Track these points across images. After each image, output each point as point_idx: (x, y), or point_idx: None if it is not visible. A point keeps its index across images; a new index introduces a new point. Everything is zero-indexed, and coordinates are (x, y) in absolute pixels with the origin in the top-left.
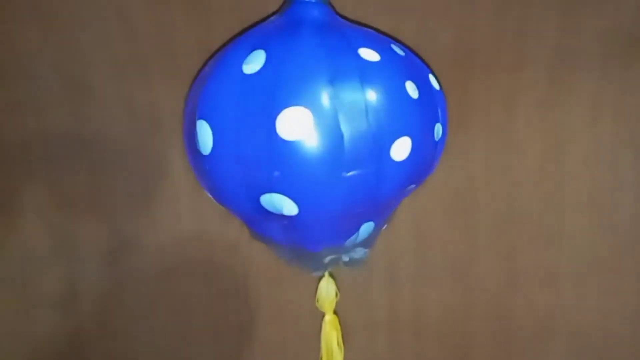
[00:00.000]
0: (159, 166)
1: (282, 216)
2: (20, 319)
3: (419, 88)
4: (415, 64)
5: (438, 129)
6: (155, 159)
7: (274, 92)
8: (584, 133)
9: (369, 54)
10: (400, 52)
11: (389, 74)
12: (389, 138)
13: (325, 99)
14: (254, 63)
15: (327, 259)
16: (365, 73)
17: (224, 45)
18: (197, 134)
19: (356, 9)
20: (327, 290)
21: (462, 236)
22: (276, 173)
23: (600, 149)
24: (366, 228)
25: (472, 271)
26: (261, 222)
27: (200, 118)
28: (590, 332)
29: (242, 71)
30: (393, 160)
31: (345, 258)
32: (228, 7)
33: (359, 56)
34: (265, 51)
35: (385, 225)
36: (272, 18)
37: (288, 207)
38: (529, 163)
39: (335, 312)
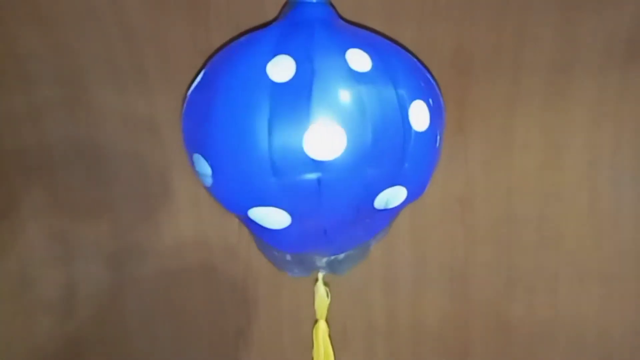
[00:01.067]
0: (158, 171)
1: None
2: (20, 323)
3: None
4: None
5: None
6: (154, 164)
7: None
8: (583, 138)
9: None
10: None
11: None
12: None
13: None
14: (283, 69)
15: (319, 262)
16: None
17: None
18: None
19: (355, 12)
20: (323, 295)
21: (460, 241)
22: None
23: (600, 154)
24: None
25: (470, 276)
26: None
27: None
28: (590, 339)
29: (268, 77)
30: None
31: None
32: (226, 12)
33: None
34: (292, 56)
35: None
36: (275, 22)
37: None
38: (528, 168)
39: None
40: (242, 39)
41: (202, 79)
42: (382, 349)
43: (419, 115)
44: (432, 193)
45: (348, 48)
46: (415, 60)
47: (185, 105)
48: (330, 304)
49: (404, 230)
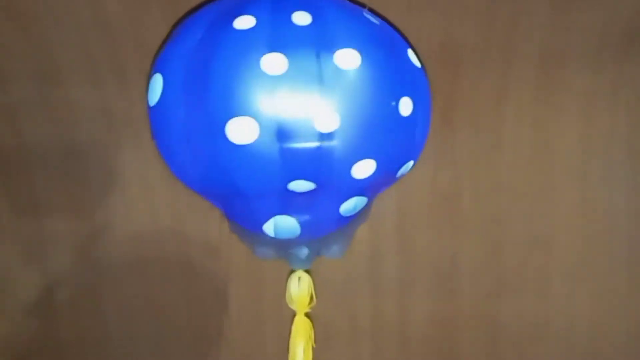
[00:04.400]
0: (135, 167)
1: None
2: None
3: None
4: (389, 35)
5: (406, 103)
6: (131, 160)
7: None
8: (575, 133)
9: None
10: (374, 20)
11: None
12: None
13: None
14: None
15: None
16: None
17: None
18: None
19: None
20: (297, 286)
21: (448, 240)
22: None
23: (593, 149)
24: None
25: (458, 276)
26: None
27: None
28: (580, 339)
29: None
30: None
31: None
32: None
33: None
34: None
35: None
36: None
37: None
38: (518, 163)
39: (308, 315)
40: None
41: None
42: (367, 348)
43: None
44: (419, 190)
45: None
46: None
47: None
48: (314, 303)
49: (391, 228)
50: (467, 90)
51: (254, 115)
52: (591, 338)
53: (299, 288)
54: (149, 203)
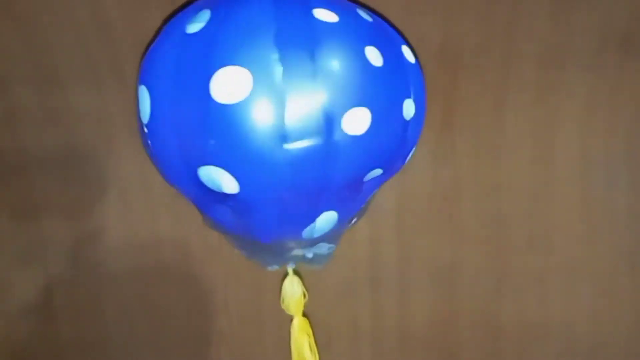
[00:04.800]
0: (135, 170)
1: (224, 195)
2: None
3: (383, 56)
4: (384, 31)
5: (409, 106)
6: (131, 163)
7: (211, 51)
8: (575, 134)
9: (324, 15)
10: (367, 17)
11: (346, 36)
12: (340, 107)
13: (268, 59)
14: (198, 22)
15: (287, 254)
16: (317, 34)
17: None
18: (138, 101)
19: None
20: (291, 290)
21: (447, 242)
22: (212, 142)
23: (593, 149)
24: (327, 219)
25: (458, 277)
26: (208, 203)
27: (141, 83)
28: (581, 341)
29: (184, 31)
30: (346, 134)
31: (308, 254)
32: None
33: (312, 16)
34: (211, 10)
35: (355, 220)
36: None
37: (227, 183)
38: (518, 164)
39: (305, 315)
40: None
41: None
42: (367, 350)
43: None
44: (418, 192)
45: (288, 10)
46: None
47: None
48: (307, 300)
49: (390, 228)
50: (467, 92)
51: None
52: (592, 338)
53: (294, 291)
54: (148, 205)
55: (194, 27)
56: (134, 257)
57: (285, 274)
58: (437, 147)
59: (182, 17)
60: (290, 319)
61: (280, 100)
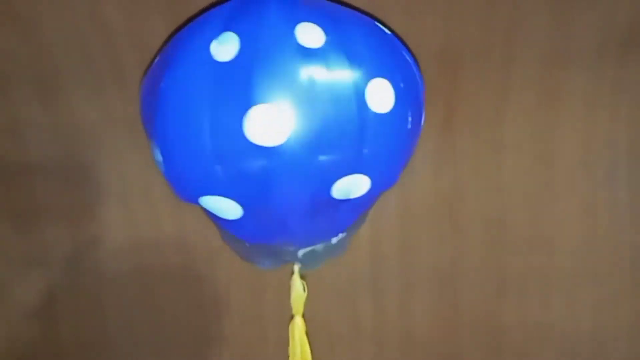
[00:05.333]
0: (137, 173)
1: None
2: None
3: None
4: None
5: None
6: (133, 165)
7: (248, 86)
8: (577, 135)
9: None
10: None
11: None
12: None
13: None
14: (225, 45)
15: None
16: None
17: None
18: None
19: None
20: (300, 289)
21: (449, 243)
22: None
23: (595, 151)
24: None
25: (459, 278)
26: None
27: (164, 102)
28: (583, 343)
29: (211, 56)
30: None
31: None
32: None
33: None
34: (238, 36)
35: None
36: None
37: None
38: (520, 166)
39: (303, 315)
40: (196, 19)
41: (154, 63)
42: (369, 351)
43: (380, 95)
44: (419, 193)
45: (299, 22)
46: (385, 33)
47: (141, 91)
48: (307, 301)
49: (392, 231)
50: (468, 93)
51: None
52: (594, 339)
53: (296, 292)
54: (150, 208)
55: (222, 53)
56: (135, 260)
57: (291, 273)
58: (438, 148)
59: (202, 35)
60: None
61: None
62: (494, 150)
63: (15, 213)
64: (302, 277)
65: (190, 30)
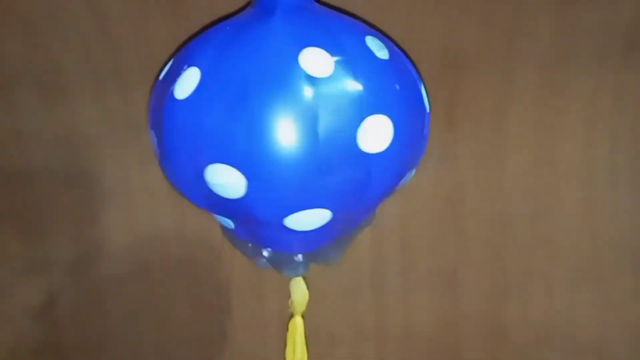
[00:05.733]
0: (138, 174)
1: None
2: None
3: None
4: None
5: None
6: (134, 165)
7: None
8: (579, 136)
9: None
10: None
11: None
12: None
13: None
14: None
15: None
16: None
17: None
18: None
19: (339, 4)
20: (297, 289)
21: (451, 243)
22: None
23: (597, 152)
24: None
25: (462, 280)
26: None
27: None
28: (586, 342)
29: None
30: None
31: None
32: (209, 14)
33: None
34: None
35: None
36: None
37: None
38: (521, 167)
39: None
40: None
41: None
42: (371, 353)
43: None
44: (421, 193)
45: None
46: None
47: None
48: (309, 302)
49: (393, 231)
50: (470, 94)
51: None
52: (596, 339)
53: (300, 293)
54: (152, 208)
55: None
56: (137, 261)
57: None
58: (439, 149)
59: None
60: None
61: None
62: (496, 151)
63: (17, 216)
64: (303, 277)
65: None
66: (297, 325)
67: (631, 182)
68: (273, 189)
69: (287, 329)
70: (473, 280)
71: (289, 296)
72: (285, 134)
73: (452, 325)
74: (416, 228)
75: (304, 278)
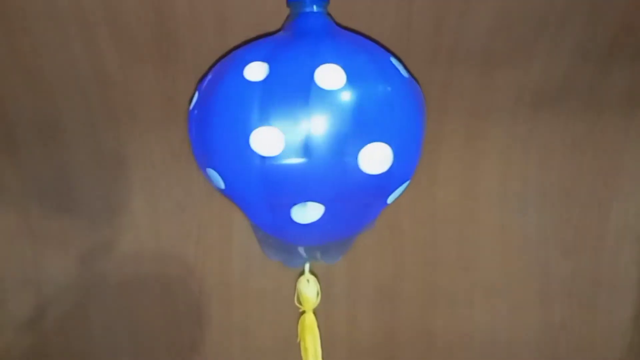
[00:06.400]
0: (120, 201)
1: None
2: None
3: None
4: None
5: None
6: (118, 194)
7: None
8: (495, 172)
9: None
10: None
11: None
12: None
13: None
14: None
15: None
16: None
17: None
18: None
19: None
20: (306, 287)
21: (389, 263)
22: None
23: (510, 188)
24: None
25: (398, 292)
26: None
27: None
28: (501, 345)
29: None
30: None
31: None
32: (192, 63)
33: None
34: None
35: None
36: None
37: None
38: (450, 196)
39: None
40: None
41: (197, 95)
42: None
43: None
44: None
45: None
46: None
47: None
48: (266, 315)
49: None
50: None
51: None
52: (509, 344)
53: (310, 289)
54: (132, 230)
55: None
56: (116, 274)
57: (301, 273)
58: None
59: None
60: (265, 334)
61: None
62: (428, 185)
63: (10, 234)
64: (312, 273)
65: (225, 63)
66: (308, 321)
67: (538, 212)
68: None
69: (255, 341)
70: (408, 294)
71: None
72: None
73: (390, 332)
74: (360, 249)
75: (313, 274)
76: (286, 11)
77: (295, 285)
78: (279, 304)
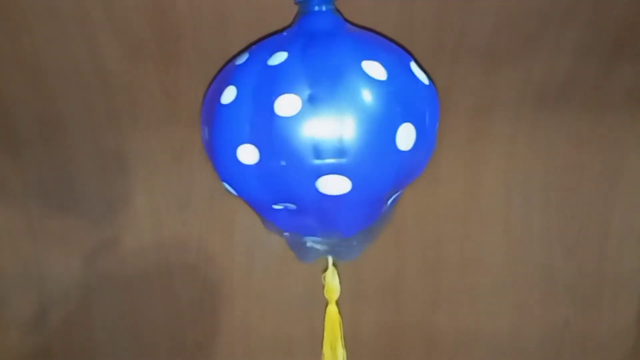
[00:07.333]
0: (122, 200)
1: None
2: None
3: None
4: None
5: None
6: (120, 193)
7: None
8: (499, 172)
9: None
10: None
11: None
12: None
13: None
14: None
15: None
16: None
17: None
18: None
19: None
20: (332, 279)
21: (393, 262)
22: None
23: (513, 185)
24: None
25: (402, 290)
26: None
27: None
28: (506, 344)
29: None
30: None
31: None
32: (194, 61)
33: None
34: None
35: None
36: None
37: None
38: (453, 195)
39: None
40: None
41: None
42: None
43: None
44: None
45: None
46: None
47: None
48: (267, 311)
49: None
50: None
51: None
52: (513, 342)
53: (336, 280)
54: (133, 228)
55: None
56: (119, 275)
57: (325, 267)
58: None
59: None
60: (266, 334)
61: None
62: (431, 183)
63: (12, 233)
64: (334, 265)
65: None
66: (332, 313)
67: (542, 210)
68: None
69: (254, 339)
70: (411, 293)
71: (324, 286)
72: None
73: (393, 331)
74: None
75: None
76: (287, 9)
77: (321, 279)
78: (281, 301)
